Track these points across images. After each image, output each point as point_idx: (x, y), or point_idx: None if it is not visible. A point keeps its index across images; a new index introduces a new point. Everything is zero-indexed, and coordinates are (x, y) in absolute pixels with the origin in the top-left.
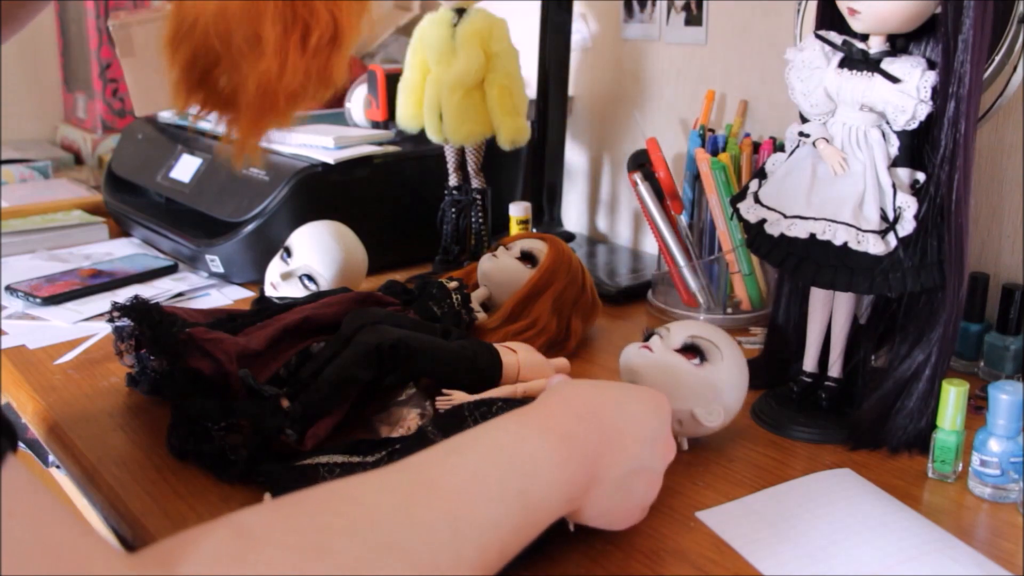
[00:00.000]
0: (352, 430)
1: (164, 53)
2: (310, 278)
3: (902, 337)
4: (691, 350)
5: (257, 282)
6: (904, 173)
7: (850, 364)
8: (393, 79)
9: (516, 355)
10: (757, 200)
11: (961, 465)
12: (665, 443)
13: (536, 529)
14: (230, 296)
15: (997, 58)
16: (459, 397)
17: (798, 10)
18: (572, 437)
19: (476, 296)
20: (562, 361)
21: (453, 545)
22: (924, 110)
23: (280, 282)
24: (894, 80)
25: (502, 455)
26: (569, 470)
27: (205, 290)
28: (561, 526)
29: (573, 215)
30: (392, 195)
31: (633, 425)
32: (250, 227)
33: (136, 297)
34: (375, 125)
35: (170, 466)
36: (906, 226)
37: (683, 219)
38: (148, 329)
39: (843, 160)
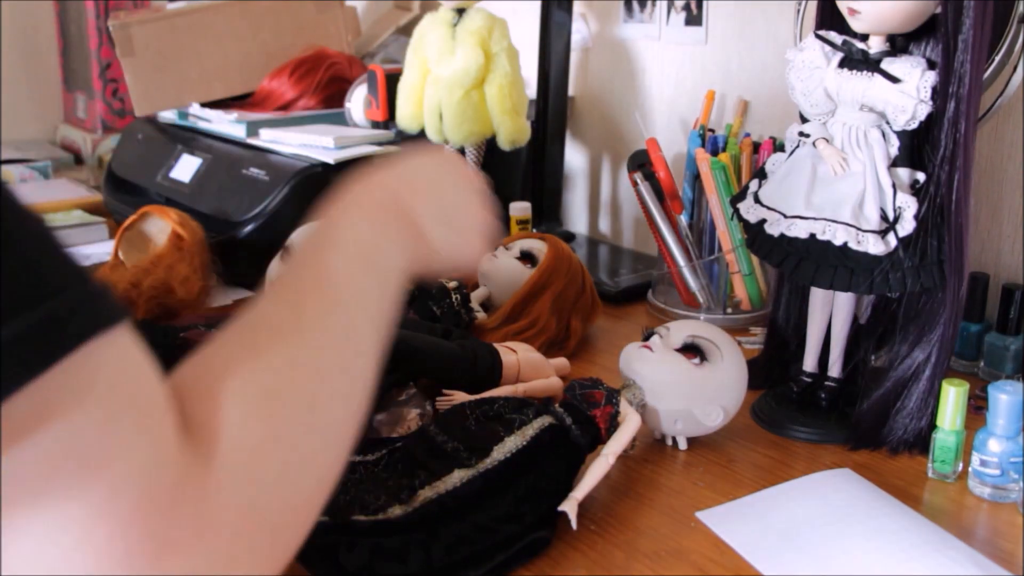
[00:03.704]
0: None
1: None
2: None
3: (902, 337)
4: (691, 350)
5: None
6: (904, 173)
7: (850, 364)
8: (393, 79)
9: (516, 355)
10: (757, 200)
11: (961, 465)
12: (457, 175)
13: (390, 287)
14: (230, 296)
15: (997, 58)
16: (459, 397)
17: (798, 10)
18: (375, 205)
19: (476, 296)
20: (561, 361)
21: (344, 316)
22: (924, 110)
23: None
24: (894, 80)
25: (349, 248)
26: (392, 229)
27: None
28: (562, 524)
29: (573, 215)
30: None
31: (424, 173)
32: (250, 227)
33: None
34: (375, 125)
35: None
36: (906, 226)
37: (683, 219)
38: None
39: (843, 160)
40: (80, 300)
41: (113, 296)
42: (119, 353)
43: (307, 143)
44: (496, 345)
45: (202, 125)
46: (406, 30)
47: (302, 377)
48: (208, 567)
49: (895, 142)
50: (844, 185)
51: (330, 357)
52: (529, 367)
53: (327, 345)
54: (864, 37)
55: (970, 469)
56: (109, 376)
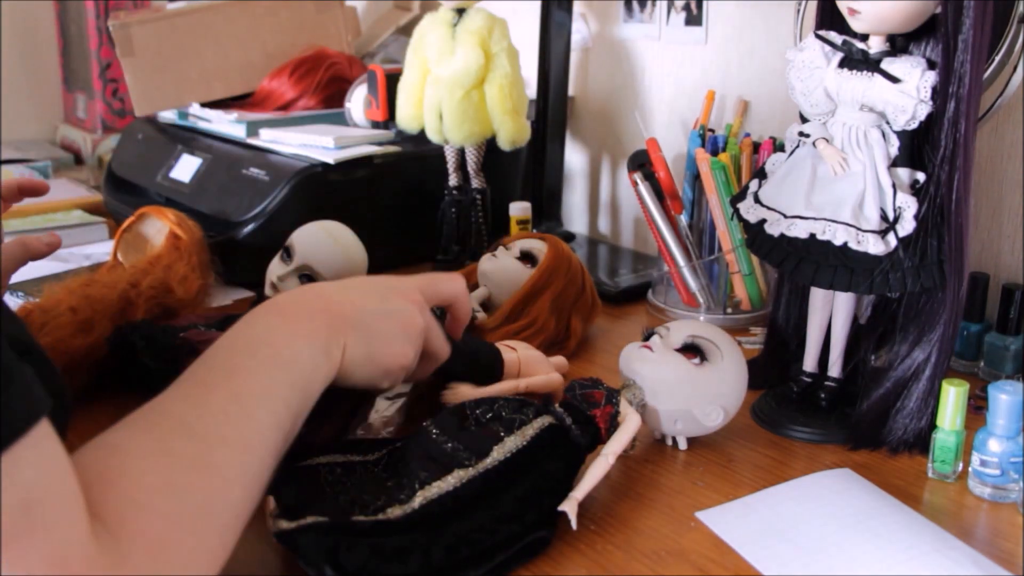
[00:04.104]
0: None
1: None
2: (310, 278)
3: (902, 337)
4: (691, 350)
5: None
6: (904, 173)
7: (850, 364)
8: (393, 79)
9: (516, 352)
10: (757, 200)
11: (961, 465)
12: (399, 293)
13: (301, 387)
14: (230, 296)
15: (997, 58)
16: (463, 390)
17: (798, 10)
18: (299, 310)
19: (475, 296)
20: (560, 359)
21: (245, 414)
22: (924, 110)
23: (280, 282)
24: (894, 80)
25: (260, 348)
26: (307, 329)
27: None
28: (562, 524)
29: (573, 215)
30: (392, 195)
31: (352, 289)
32: (250, 227)
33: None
34: (375, 125)
35: None
36: (906, 226)
37: (683, 219)
38: (141, 340)
39: (843, 160)
40: (5, 403)
41: (35, 389)
42: (41, 447)
43: (307, 143)
44: (496, 344)
45: (202, 125)
46: (406, 30)
47: (208, 478)
48: None
49: (895, 142)
50: (844, 185)
51: (233, 460)
52: (529, 364)
53: (232, 448)
54: (864, 37)
55: (970, 469)
56: (31, 470)
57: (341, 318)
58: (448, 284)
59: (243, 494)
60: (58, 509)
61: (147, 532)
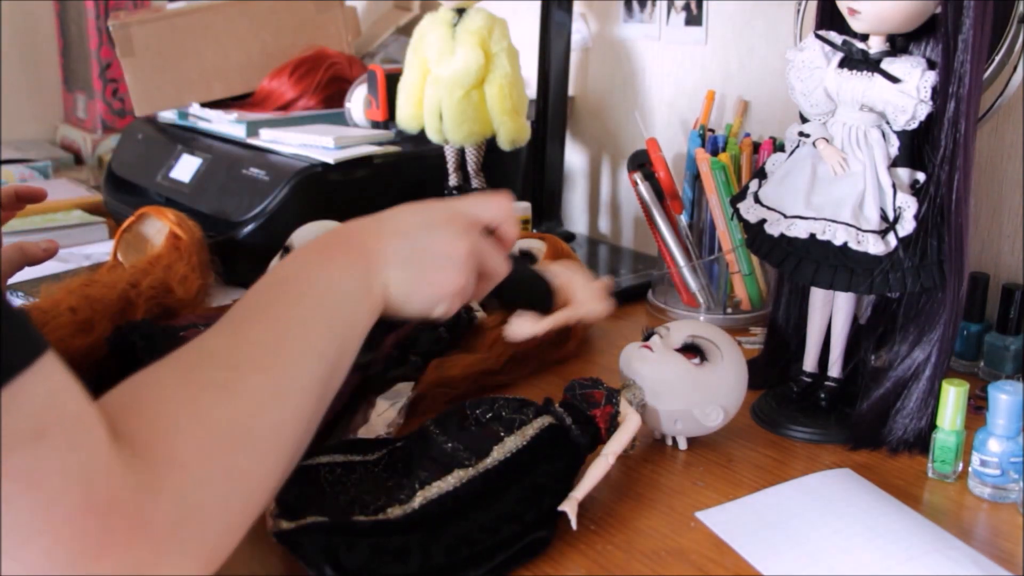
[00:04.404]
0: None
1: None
2: None
3: (902, 337)
4: (691, 350)
5: None
6: (904, 173)
7: (850, 364)
8: (393, 79)
9: (569, 280)
10: (757, 200)
11: (961, 465)
12: (442, 218)
13: (341, 323)
14: (230, 296)
15: (997, 58)
16: (523, 325)
17: (798, 10)
18: (335, 247)
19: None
20: (606, 279)
21: (278, 342)
22: (924, 110)
23: None
24: (894, 80)
25: (295, 283)
26: (344, 263)
27: None
28: (562, 524)
29: (573, 215)
30: (392, 195)
31: (392, 219)
32: (250, 227)
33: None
34: (375, 125)
35: None
36: (906, 226)
37: (683, 219)
38: (141, 340)
39: (843, 160)
40: (10, 333)
41: (33, 329)
42: (44, 381)
43: (307, 143)
44: (540, 270)
45: (202, 125)
46: (406, 30)
47: (238, 401)
48: (142, 566)
49: (895, 142)
50: (844, 185)
51: (267, 386)
52: (576, 290)
53: (265, 375)
54: (864, 37)
55: (970, 469)
56: (39, 398)
57: (379, 253)
58: (494, 202)
59: (281, 418)
60: (74, 433)
61: (178, 455)
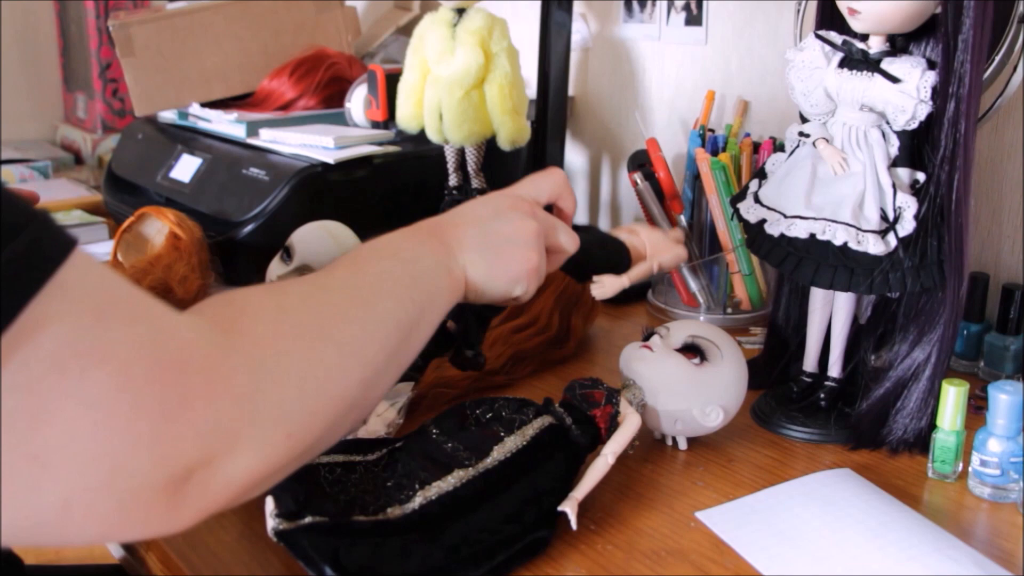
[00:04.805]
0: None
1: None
2: None
3: (902, 337)
4: (691, 350)
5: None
6: (904, 173)
7: (850, 364)
8: (393, 79)
9: (638, 236)
10: (757, 200)
11: (961, 465)
12: (507, 204)
13: (422, 286)
14: None
15: (997, 58)
16: (608, 282)
17: (798, 10)
18: (416, 231)
19: None
20: (677, 232)
21: (362, 295)
22: (924, 110)
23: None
24: (894, 80)
25: (381, 250)
26: (426, 242)
27: None
28: (562, 524)
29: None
30: (392, 195)
31: (463, 212)
32: (250, 227)
33: None
34: (375, 125)
35: None
36: (906, 226)
37: (683, 219)
38: None
39: (843, 160)
40: (44, 229)
41: (62, 228)
42: (87, 266)
43: (307, 143)
44: (618, 232)
45: (202, 125)
46: (406, 30)
47: (321, 308)
48: (228, 420)
49: (895, 142)
50: (844, 185)
51: (351, 311)
52: (655, 245)
53: (344, 314)
54: (864, 37)
55: (970, 469)
56: (86, 284)
57: (457, 240)
58: (548, 180)
59: (361, 338)
60: (131, 307)
61: (256, 330)
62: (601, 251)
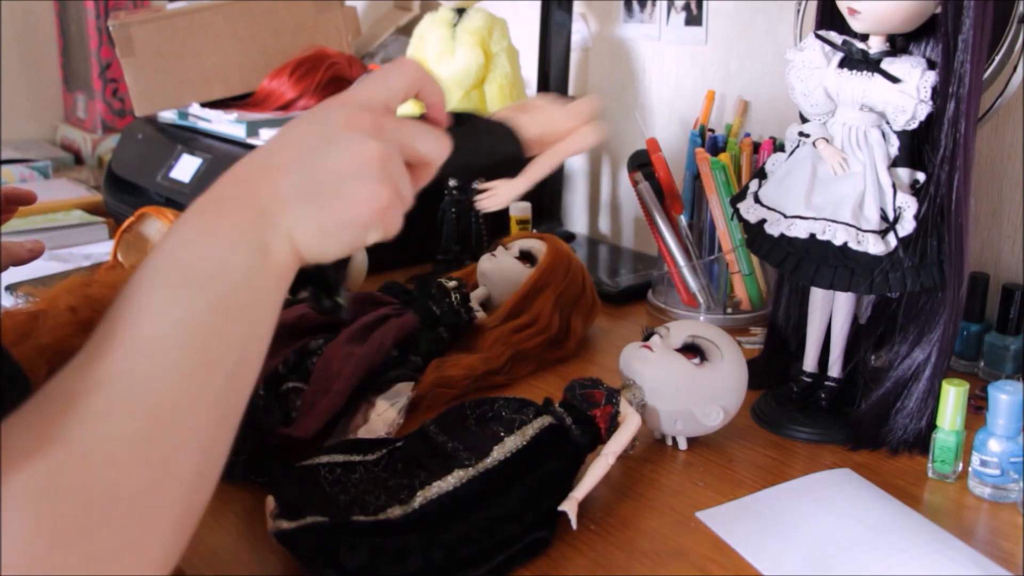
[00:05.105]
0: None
1: None
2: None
3: (902, 337)
4: (691, 350)
5: None
6: (904, 173)
7: (850, 364)
8: None
9: (540, 113)
10: (757, 200)
11: (961, 465)
12: (341, 123)
13: (231, 302)
14: None
15: (997, 58)
16: (500, 190)
17: (798, 10)
18: (219, 207)
19: (475, 296)
20: (586, 100)
21: (160, 365)
22: (924, 110)
23: None
24: (894, 80)
25: (173, 271)
26: (228, 227)
27: None
28: (562, 524)
29: (573, 215)
30: None
31: (281, 146)
32: None
33: None
34: None
35: None
36: (906, 226)
37: (683, 219)
38: None
39: (843, 160)
40: None
41: None
42: None
43: None
44: (502, 117)
45: (202, 125)
46: (406, 30)
47: (93, 460)
48: None
49: (895, 142)
50: (844, 185)
51: (140, 434)
52: (552, 124)
53: (132, 416)
54: (864, 37)
55: (970, 469)
56: None
57: (272, 195)
58: (398, 73)
59: (174, 482)
60: None
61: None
62: (488, 149)
